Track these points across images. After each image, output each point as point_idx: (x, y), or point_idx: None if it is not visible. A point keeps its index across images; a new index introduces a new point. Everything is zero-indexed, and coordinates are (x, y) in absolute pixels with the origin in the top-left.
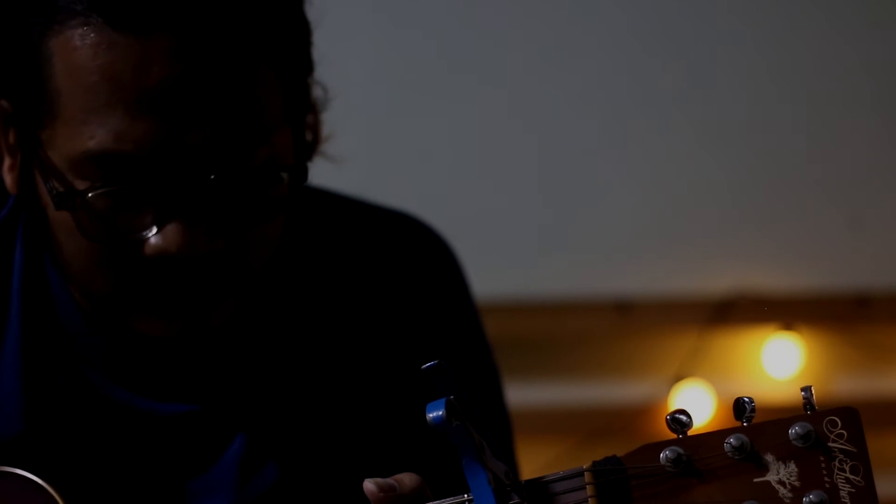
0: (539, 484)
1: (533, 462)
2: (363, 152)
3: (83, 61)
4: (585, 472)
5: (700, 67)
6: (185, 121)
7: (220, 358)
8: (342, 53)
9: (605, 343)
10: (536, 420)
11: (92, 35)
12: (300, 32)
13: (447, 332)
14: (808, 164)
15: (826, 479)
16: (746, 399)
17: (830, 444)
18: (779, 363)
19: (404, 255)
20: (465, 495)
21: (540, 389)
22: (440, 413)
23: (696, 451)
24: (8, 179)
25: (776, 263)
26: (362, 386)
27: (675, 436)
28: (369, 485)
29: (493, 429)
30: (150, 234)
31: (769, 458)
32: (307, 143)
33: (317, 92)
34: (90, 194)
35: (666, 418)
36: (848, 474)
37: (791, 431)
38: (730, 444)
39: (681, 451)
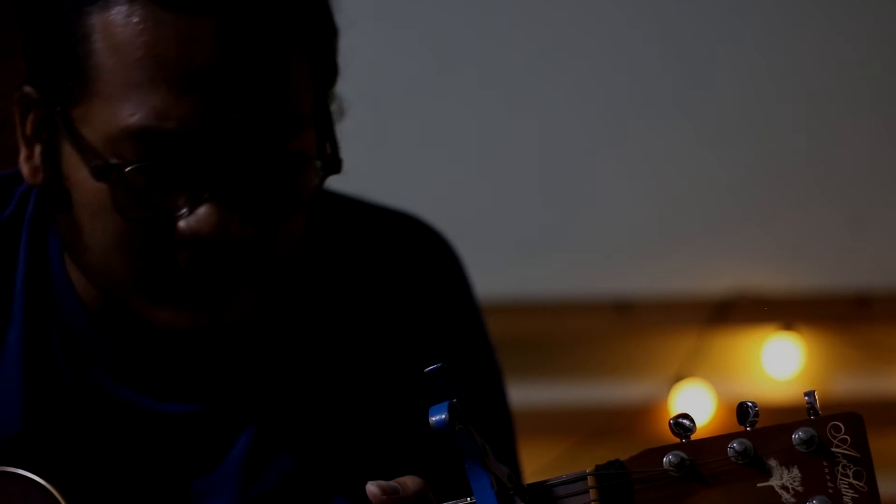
0: (542, 488)
1: (533, 462)
2: (363, 152)
3: (128, 38)
4: (588, 476)
5: (700, 67)
6: (227, 101)
7: (226, 357)
8: (342, 53)
9: (605, 343)
10: (536, 420)
11: (139, 12)
12: (331, 36)
13: (450, 334)
14: (808, 164)
15: (829, 484)
16: (750, 404)
17: (834, 450)
18: (779, 363)
19: (407, 256)
20: (468, 499)
21: (540, 389)
22: (443, 416)
23: (700, 456)
24: (25, 169)
25: (776, 263)
26: (365, 387)
27: (677, 440)
28: (372, 487)
29: (495, 431)
30: (184, 214)
31: (772, 462)
32: (334, 148)
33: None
34: (128, 168)
35: (669, 423)
36: (851, 480)
37: (794, 436)
38: (733, 448)
39: (684, 455)
